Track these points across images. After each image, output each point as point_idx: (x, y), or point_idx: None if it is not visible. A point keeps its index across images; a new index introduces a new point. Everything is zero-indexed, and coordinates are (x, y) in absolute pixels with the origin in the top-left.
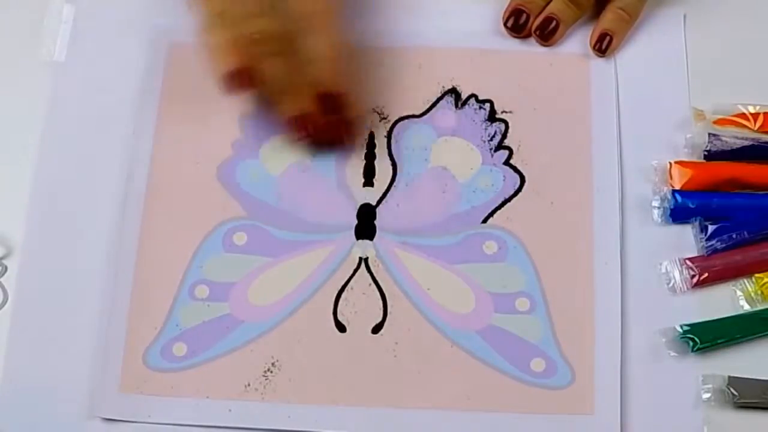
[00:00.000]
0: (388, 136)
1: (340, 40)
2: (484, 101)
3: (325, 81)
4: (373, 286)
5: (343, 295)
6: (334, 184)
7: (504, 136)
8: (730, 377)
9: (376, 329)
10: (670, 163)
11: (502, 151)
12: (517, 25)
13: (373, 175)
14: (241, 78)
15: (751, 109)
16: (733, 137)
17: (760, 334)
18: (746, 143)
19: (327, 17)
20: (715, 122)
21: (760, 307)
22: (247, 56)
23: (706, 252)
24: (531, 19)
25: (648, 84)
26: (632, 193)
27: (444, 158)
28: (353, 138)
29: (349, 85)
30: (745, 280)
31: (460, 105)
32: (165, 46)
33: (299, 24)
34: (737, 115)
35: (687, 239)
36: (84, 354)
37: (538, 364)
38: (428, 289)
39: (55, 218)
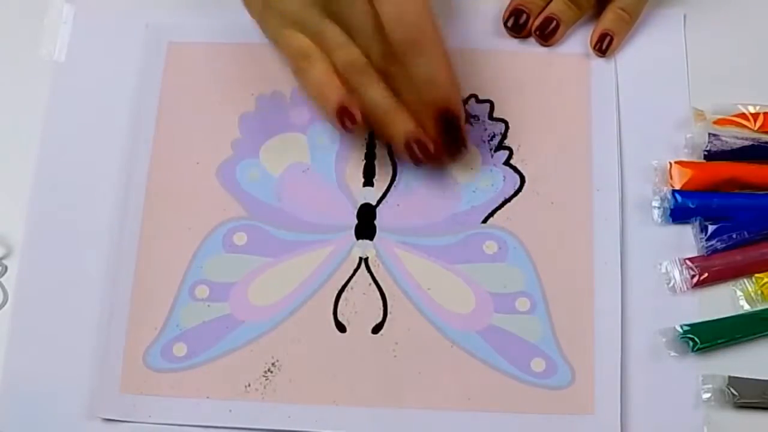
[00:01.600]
0: None
1: (450, 59)
2: (483, 101)
3: (446, 100)
4: (373, 286)
5: (343, 295)
6: (334, 184)
7: (504, 136)
8: (730, 377)
9: (376, 329)
10: (670, 163)
11: (502, 151)
12: (517, 25)
13: (373, 175)
14: (349, 110)
15: (751, 109)
16: (733, 137)
17: (760, 334)
18: (746, 143)
19: (436, 37)
20: (715, 122)
21: (760, 307)
22: (351, 86)
23: (706, 252)
24: (531, 19)
25: (648, 84)
26: (632, 193)
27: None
28: (461, 154)
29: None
30: (745, 280)
31: None
32: (165, 46)
33: (405, 46)
34: (737, 115)
35: (687, 239)
36: (84, 354)
37: (538, 364)
38: (428, 289)
39: (55, 218)
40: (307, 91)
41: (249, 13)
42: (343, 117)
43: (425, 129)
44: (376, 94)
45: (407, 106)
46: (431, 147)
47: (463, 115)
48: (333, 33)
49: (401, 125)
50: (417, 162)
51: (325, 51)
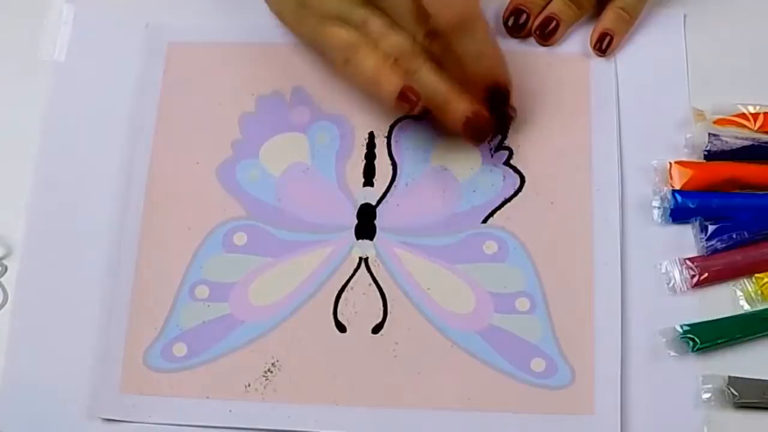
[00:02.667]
0: (388, 136)
1: (493, 32)
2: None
3: (496, 75)
4: (373, 286)
5: (343, 295)
6: (334, 184)
7: (504, 136)
8: (730, 377)
9: (376, 329)
10: (670, 163)
11: (502, 151)
12: (517, 24)
13: (373, 175)
14: (410, 94)
15: (751, 109)
16: (733, 137)
17: (760, 334)
18: (746, 143)
19: (479, 13)
20: (715, 122)
21: (760, 307)
22: (403, 72)
23: (706, 252)
24: (531, 19)
25: (648, 84)
26: (632, 193)
27: (444, 158)
28: (509, 127)
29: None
30: (745, 280)
31: None
32: (164, 46)
33: (451, 27)
34: (737, 115)
35: (687, 239)
36: (84, 354)
37: (538, 364)
38: (428, 289)
39: (55, 218)
40: (358, 81)
41: (278, 16)
42: (407, 97)
43: (474, 104)
44: (431, 77)
45: (454, 83)
46: (490, 125)
47: (510, 86)
48: (377, 22)
49: (461, 105)
50: (478, 140)
51: (371, 40)
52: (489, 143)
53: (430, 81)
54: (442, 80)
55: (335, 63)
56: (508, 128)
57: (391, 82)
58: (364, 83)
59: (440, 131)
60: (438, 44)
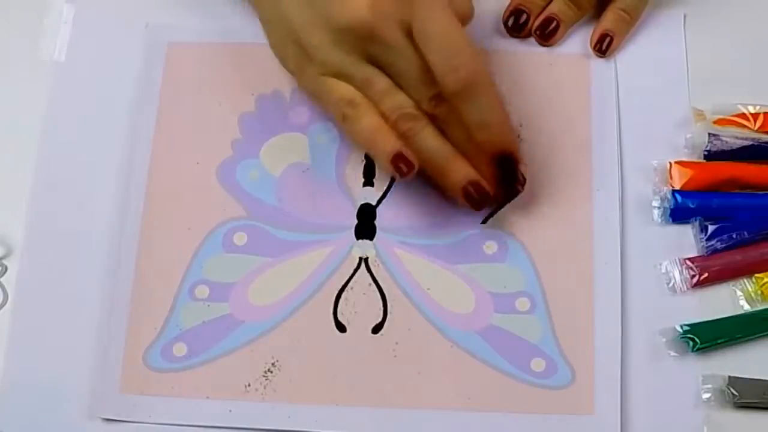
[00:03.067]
0: None
1: (501, 99)
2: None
3: (502, 142)
4: (373, 286)
5: (343, 295)
6: (334, 183)
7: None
8: (730, 377)
9: (376, 329)
10: (670, 163)
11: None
12: (517, 24)
13: (373, 174)
14: (404, 160)
15: (751, 109)
16: (733, 137)
17: (760, 334)
18: (746, 143)
19: (488, 79)
20: (715, 122)
21: (760, 307)
22: (401, 134)
23: (706, 252)
24: (531, 19)
25: (648, 84)
26: (632, 193)
27: None
28: (520, 192)
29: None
30: (745, 280)
31: None
32: (164, 46)
33: (458, 93)
34: (737, 115)
35: (687, 239)
36: (84, 354)
37: (538, 364)
38: (428, 289)
39: (55, 218)
40: (356, 138)
41: (282, 62)
42: (399, 164)
43: (479, 171)
44: (431, 141)
45: (458, 148)
46: (490, 192)
47: (518, 154)
48: (380, 81)
49: (459, 172)
50: (478, 207)
51: (372, 99)
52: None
53: (431, 144)
54: (443, 144)
55: (334, 117)
56: (520, 192)
57: (387, 144)
58: (361, 141)
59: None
60: (444, 108)
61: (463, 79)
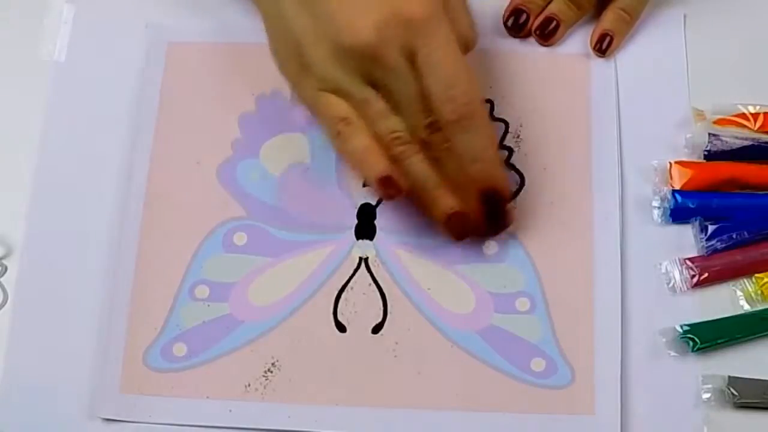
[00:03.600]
0: None
1: (495, 136)
2: (483, 101)
3: (491, 178)
4: (373, 286)
5: (343, 295)
6: (334, 183)
7: (504, 136)
8: (730, 377)
9: (376, 329)
10: (670, 163)
11: (502, 151)
12: (517, 24)
13: None
14: (395, 181)
15: (751, 109)
16: (733, 137)
17: (760, 334)
18: (746, 143)
19: (482, 114)
20: (715, 122)
21: (760, 307)
22: (388, 155)
23: (706, 252)
24: (531, 19)
25: (648, 84)
26: (632, 193)
27: None
28: (505, 229)
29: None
30: (745, 280)
31: None
32: (165, 46)
33: (454, 123)
34: (737, 115)
35: (687, 239)
36: (84, 354)
37: (538, 364)
38: (428, 289)
39: (55, 218)
40: (347, 157)
41: (283, 74)
42: (387, 187)
43: (465, 202)
44: (420, 167)
45: (447, 176)
46: (473, 225)
47: (506, 192)
48: (377, 103)
49: (444, 202)
50: (460, 237)
51: (367, 120)
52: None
53: (420, 171)
54: (432, 173)
55: (327, 133)
56: (505, 229)
57: (377, 165)
58: (352, 159)
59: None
60: (437, 137)
61: (460, 110)
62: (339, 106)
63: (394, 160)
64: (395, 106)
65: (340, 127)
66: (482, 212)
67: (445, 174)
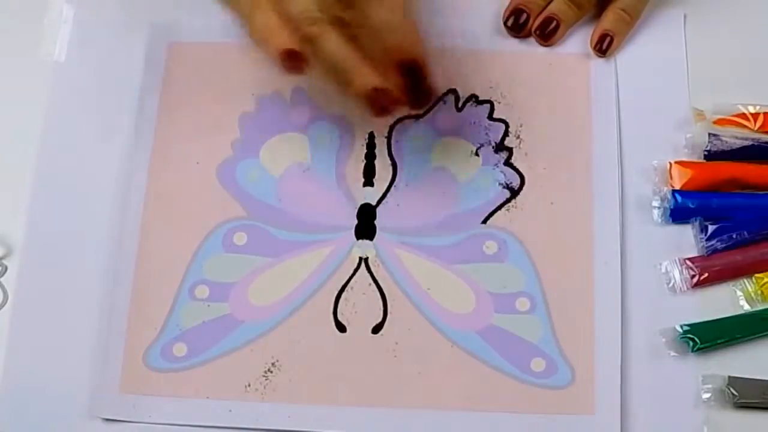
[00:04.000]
0: (389, 136)
1: (409, 8)
2: (483, 101)
3: (408, 49)
4: (373, 286)
5: (343, 295)
6: (334, 184)
7: (504, 136)
8: (730, 377)
9: (376, 329)
10: (670, 163)
11: (502, 152)
12: (517, 24)
13: (373, 175)
14: (296, 57)
15: (751, 109)
16: (733, 137)
17: (760, 334)
18: (746, 143)
19: None
20: (715, 122)
21: (760, 307)
22: (299, 34)
23: (706, 252)
24: (531, 19)
25: (648, 84)
26: (632, 193)
27: (444, 158)
28: (429, 102)
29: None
30: (745, 280)
31: (460, 105)
32: (165, 46)
33: None
34: (737, 115)
35: (687, 239)
36: (84, 354)
37: (538, 364)
38: (428, 289)
39: (55, 218)
40: (252, 35)
41: None
42: (290, 60)
43: (385, 77)
44: (335, 44)
45: (363, 53)
46: (394, 96)
47: (426, 61)
48: None
49: (363, 77)
50: (382, 113)
51: (276, 2)
52: (489, 143)
53: (336, 48)
54: (349, 50)
55: (240, 17)
56: (429, 102)
57: (279, 39)
58: (256, 37)
59: (440, 132)
60: (351, 13)
61: None
62: None
63: (307, 39)
64: None
65: (247, 8)
66: (403, 85)
67: (361, 51)
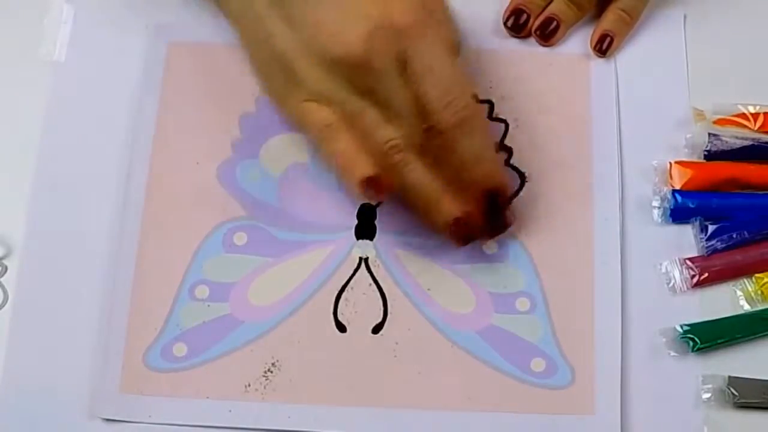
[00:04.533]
0: None
1: (493, 136)
2: (483, 101)
3: (494, 179)
4: (374, 286)
5: (344, 295)
6: (334, 183)
7: (504, 136)
8: (730, 377)
9: (377, 329)
10: (670, 163)
11: (502, 152)
12: (517, 24)
13: None
14: (379, 181)
15: (751, 109)
16: (733, 137)
17: (760, 334)
18: (746, 143)
19: (481, 115)
20: (715, 122)
21: (760, 307)
22: (382, 162)
23: (706, 252)
24: (531, 19)
25: (648, 84)
26: (632, 193)
27: None
28: (505, 230)
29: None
30: (745, 280)
31: None
32: (165, 46)
33: (453, 128)
34: (737, 115)
35: (687, 239)
36: (84, 354)
37: (538, 364)
38: (428, 289)
39: (55, 218)
40: (330, 160)
41: (264, 89)
42: (371, 188)
43: (465, 206)
44: (419, 174)
45: (445, 181)
46: (477, 230)
47: (510, 194)
48: (370, 112)
49: (447, 208)
50: (465, 242)
51: (361, 131)
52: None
53: (421, 177)
54: (433, 179)
55: (314, 140)
56: (505, 230)
57: (362, 166)
58: (336, 163)
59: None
60: (436, 143)
61: (461, 113)
62: (325, 112)
63: (394, 168)
64: (389, 116)
65: (325, 132)
66: (483, 214)
67: (443, 179)
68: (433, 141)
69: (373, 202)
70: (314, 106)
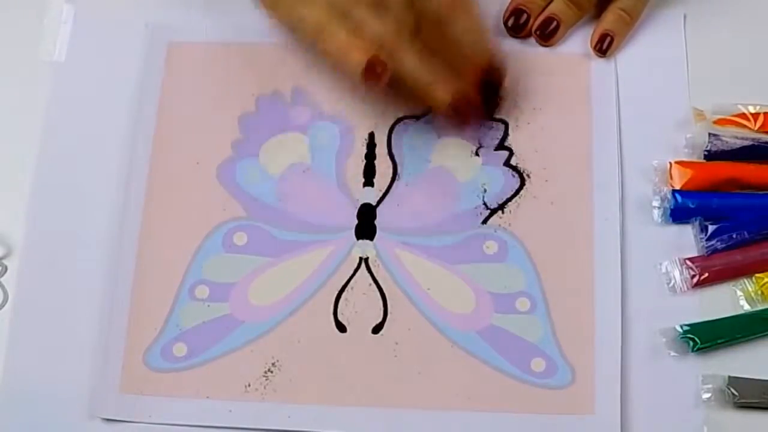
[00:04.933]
0: (389, 136)
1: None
2: None
3: (490, 56)
4: (374, 286)
5: (344, 295)
6: (334, 183)
7: (504, 136)
8: (730, 377)
9: (377, 329)
10: (670, 163)
11: (502, 152)
12: (517, 25)
13: (373, 174)
14: (380, 67)
15: (751, 109)
16: (733, 137)
17: (760, 334)
18: (746, 143)
19: (469, 2)
20: (715, 122)
21: (760, 307)
22: (377, 52)
23: (706, 252)
24: (531, 20)
25: (648, 84)
26: (632, 193)
27: (444, 158)
28: (502, 106)
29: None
30: (745, 280)
31: None
32: (165, 46)
33: (443, 12)
34: (737, 115)
35: (687, 239)
36: (84, 354)
37: (538, 364)
38: (428, 289)
39: (55, 218)
40: (328, 54)
41: (259, 1)
42: (370, 72)
43: (460, 89)
44: (412, 63)
45: (441, 68)
46: (476, 107)
47: (506, 69)
48: (361, 9)
49: (442, 92)
50: (462, 125)
51: (351, 26)
52: (489, 143)
53: (414, 65)
54: (427, 66)
55: (308, 40)
56: (500, 110)
57: (359, 54)
58: (334, 55)
59: (440, 132)
60: (428, 30)
61: (447, 1)
62: (318, 11)
63: (388, 58)
64: (378, 10)
65: (318, 31)
66: (479, 95)
67: (437, 65)
68: (426, 29)
69: (376, 90)
70: (306, 9)
